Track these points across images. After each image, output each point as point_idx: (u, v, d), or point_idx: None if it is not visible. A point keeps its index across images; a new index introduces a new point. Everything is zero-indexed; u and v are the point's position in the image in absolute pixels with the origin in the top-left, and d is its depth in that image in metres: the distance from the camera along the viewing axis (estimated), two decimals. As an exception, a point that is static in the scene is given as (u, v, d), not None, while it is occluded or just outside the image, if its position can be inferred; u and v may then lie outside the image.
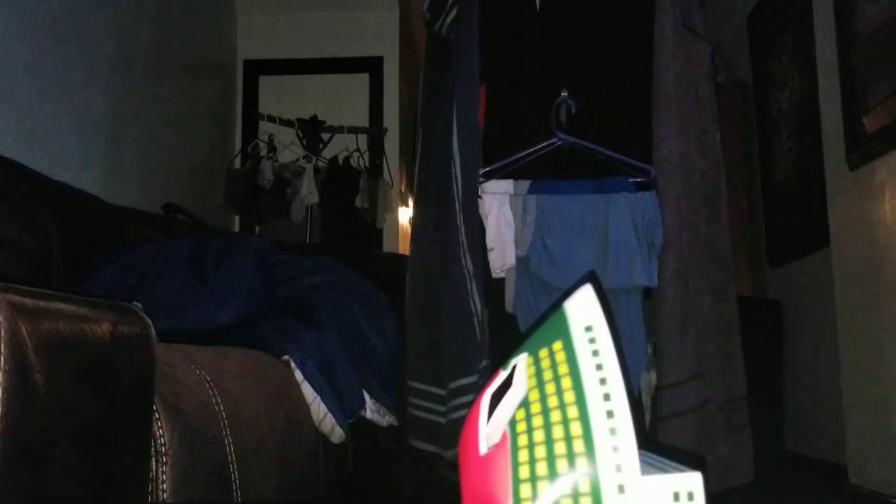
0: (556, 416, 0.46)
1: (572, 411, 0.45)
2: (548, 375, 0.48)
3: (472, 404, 1.77)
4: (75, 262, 1.62)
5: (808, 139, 3.17)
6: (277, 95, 4.44)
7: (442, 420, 1.83)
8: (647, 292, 1.93)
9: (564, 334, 0.48)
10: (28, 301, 0.63)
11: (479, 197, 1.89)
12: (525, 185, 1.96)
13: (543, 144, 1.93)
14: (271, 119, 4.19)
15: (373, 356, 1.71)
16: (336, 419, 1.41)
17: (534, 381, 0.48)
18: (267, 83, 4.49)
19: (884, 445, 2.25)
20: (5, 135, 2.07)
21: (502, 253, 1.87)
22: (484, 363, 1.81)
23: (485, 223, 1.89)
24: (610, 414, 0.44)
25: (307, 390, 1.38)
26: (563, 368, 0.47)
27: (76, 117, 2.51)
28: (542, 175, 1.96)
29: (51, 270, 1.57)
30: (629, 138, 1.95)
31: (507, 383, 0.51)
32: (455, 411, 1.80)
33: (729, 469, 1.83)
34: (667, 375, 1.79)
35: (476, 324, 1.82)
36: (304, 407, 1.37)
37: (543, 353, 0.49)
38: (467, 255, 1.88)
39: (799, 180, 3.31)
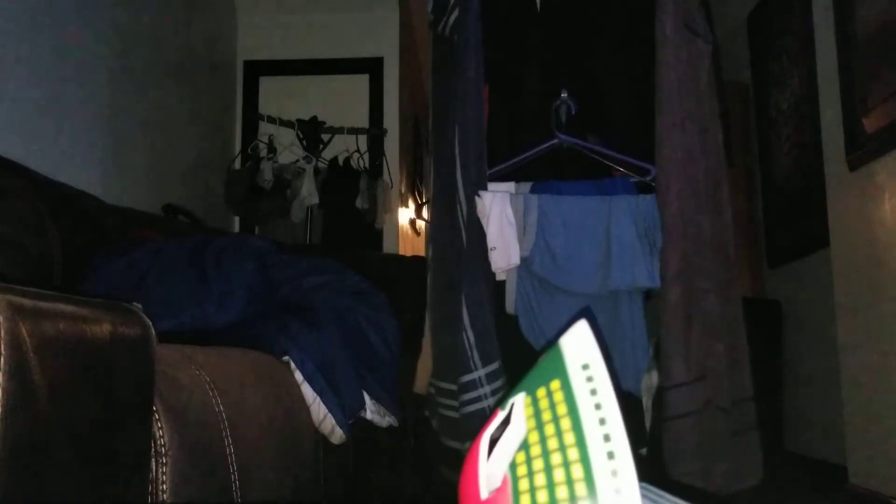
0: (556, 458, 0.45)
1: (573, 453, 0.44)
2: (546, 416, 0.47)
3: (474, 402, 1.79)
4: (76, 263, 1.62)
5: (807, 139, 3.17)
6: (277, 96, 4.44)
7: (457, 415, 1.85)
8: (649, 292, 1.93)
9: (562, 373, 0.47)
10: (28, 301, 0.63)
11: (478, 196, 1.88)
12: (527, 186, 1.96)
13: (544, 146, 1.93)
14: (271, 120, 4.19)
15: (373, 356, 1.71)
16: (336, 420, 1.41)
17: (533, 423, 0.48)
18: (267, 84, 4.49)
19: (884, 445, 2.25)
20: (5, 135, 2.07)
21: (506, 252, 1.87)
22: (485, 363, 1.82)
23: (484, 223, 1.88)
24: (611, 455, 0.43)
25: (307, 391, 1.38)
26: (562, 409, 0.46)
27: (76, 117, 2.51)
28: (543, 176, 1.96)
29: (51, 271, 1.57)
30: (629, 138, 1.95)
31: (505, 422, 0.50)
32: (465, 406, 1.81)
33: (737, 472, 1.82)
34: (671, 376, 1.78)
35: (464, 325, 1.83)
36: (304, 407, 1.36)
37: (541, 392, 0.48)
38: (469, 256, 1.88)
39: (799, 180, 3.31)
